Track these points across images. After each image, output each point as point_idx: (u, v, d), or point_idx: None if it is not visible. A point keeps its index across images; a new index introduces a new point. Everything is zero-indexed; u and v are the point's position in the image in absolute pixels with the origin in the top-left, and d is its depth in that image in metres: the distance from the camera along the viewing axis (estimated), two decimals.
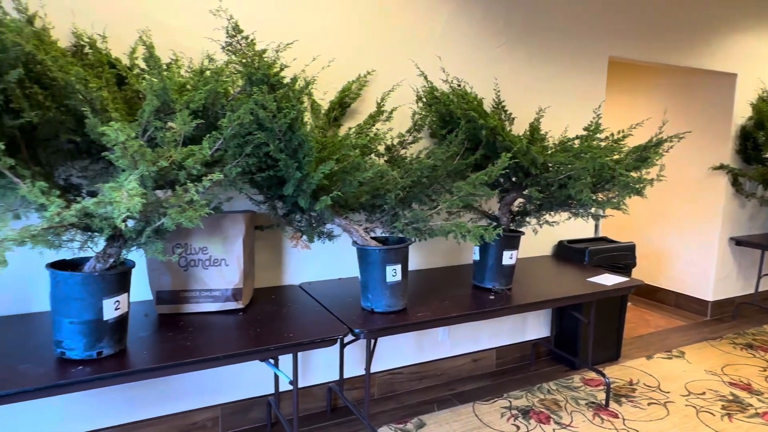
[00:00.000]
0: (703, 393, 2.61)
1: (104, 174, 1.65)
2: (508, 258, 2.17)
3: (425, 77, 2.20)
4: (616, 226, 4.45)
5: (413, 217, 1.91)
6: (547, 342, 2.98)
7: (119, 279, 1.45)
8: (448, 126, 2.18)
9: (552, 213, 2.28)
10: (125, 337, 1.52)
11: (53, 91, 1.43)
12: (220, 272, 1.83)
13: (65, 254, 1.76)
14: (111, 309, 1.43)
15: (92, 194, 1.65)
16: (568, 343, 2.91)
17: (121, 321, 1.48)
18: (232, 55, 1.65)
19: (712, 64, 3.43)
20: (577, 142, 2.21)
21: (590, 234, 3.11)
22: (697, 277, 3.84)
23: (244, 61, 1.50)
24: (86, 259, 1.53)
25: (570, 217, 2.26)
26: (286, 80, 1.57)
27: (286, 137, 1.52)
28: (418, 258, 2.53)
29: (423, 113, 2.21)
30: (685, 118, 3.87)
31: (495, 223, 2.29)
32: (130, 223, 1.49)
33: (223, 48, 1.66)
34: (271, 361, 1.98)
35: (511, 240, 2.16)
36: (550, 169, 2.11)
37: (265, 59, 1.55)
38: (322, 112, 2.14)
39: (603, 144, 2.20)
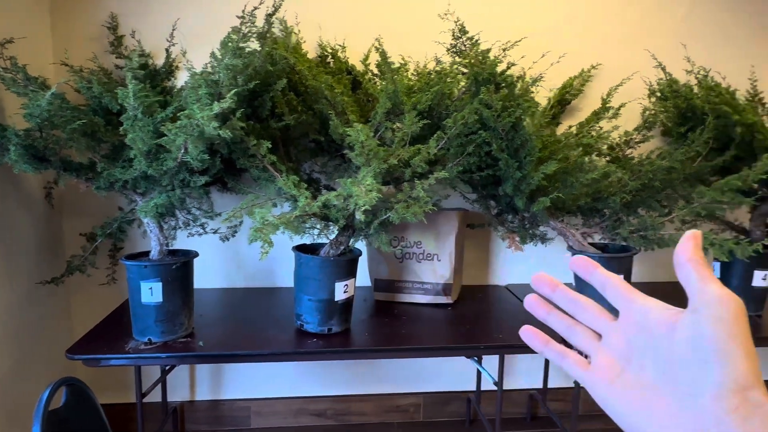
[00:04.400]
0: None
1: (338, 170, 1.84)
2: (761, 279, 1.83)
3: (663, 69, 1.97)
4: None
5: (641, 224, 1.73)
6: None
7: (349, 265, 1.61)
8: (688, 123, 1.91)
9: None
10: (350, 317, 1.67)
11: (305, 97, 1.65)
12: (432, 266, 1.90)
13: (306, 240, 2.01)
14: (341, 291, 1.59)
15: (328, 188, 1.85)
16: None
17: (348, 303, 1.64)
18: (457, 57, 1.69)
19: None
20: None
21: None
22: None
23: (471, 61, 1.52)
24: (321, 245, 1.73)
25: None
26: (512, 79, 1.55)
27: (509, 136, 1.50)
28: (638, 269, 2.29)
29: (656, 109, 1.98)
30: None
31: (741, 237, 1.94)
32: (358, 215, 1.63)
33: (448, 50, 1.71)
34: (476, 358, 1.99)
35: (766, 258, 1.81)
36: None
37: (490, 58, 1.55)
38: (540, 109, 2.06)
39: None
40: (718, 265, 1.91)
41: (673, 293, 2.13)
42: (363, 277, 2.06)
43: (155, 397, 2.05)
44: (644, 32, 2.12)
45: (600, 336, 0.42)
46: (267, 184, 1.59)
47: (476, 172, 1.63)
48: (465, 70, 1.67)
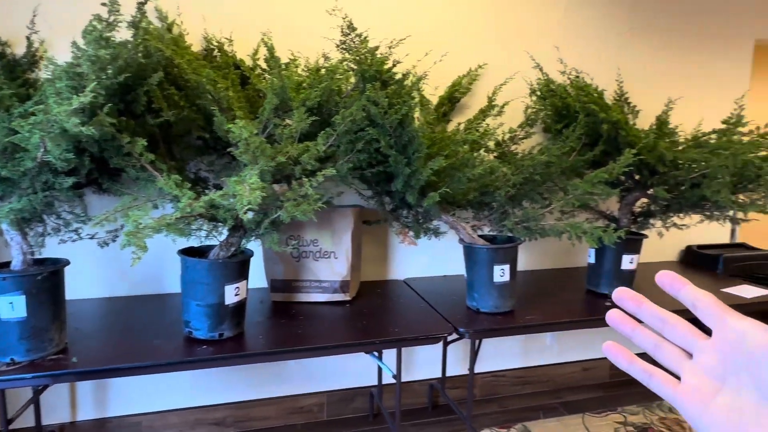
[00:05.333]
0: None
1: (228, 168, 1.77)
2: (628, 262, 2.01)
3: (540, 69, 2.10)
4: (757, 231, 3.95)
5: (524, 216, 1.83)
6: None
7: (239, 267, 1.55)
8: (564, 120, 2.06)
9: (681, 215, 2.07)
10: (243, 321, 1.62)
11: (187, 92, 1.56)
12: (330, 264, 1.89)
13: (194, 242, 1.91)
14: (232, 294, 1.53)
15: (218, 187, 1.78)
16: None
17: (240, 306, 1.58)
18: (346, 53, 1.69)
19: None
20: (714, 136, 1.98)
21: (725, 239, 2.79)
22: None
23: (357, 58, 1.53)
24: (211, 247, 1.65)
25: (702, 220, 2.04)
26: (398, 76, 1.57)
27: (397, 133, 1.52)
28: (527, 258, 2.43)
29: (537, 107, 2.11)
30: None
31: (611, 225, 2.13)
32: (250, 214, 1.58)
33: (337, 46, 1.70)
34: (376, 353, 2.01)
35: (632, 243, 1.99)
36: (681, 166, 1.91)
37: (378, 56, 1.57)
38: (431, 107, 2.12)
39: (745, 139, 1.95)
40: (593, 251, 2.07)
41: (558, 280, 2.29)
42: (260, 278, 2.01)
43: (28, 421, 1.86)
44: (525, 35, 2.25)
45: (690, 354, 0.41)
46: (147, 184, 1.49)
47: (367, 168, 1.63)
48: (355, 67, 1.67)
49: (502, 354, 2.47)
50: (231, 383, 2.11)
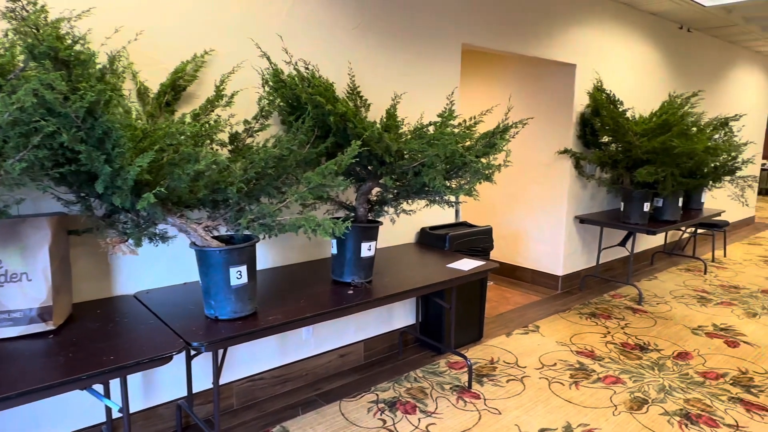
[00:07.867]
0: (554, 364, 2.79)
1: None
2: (366, 250, 2.09)
3: (268, 58, 2.02)
4: (475, 210, 4.65)
5: (260, 212, 1.74)
6: (414, 329, 2.99)
7: None
8: (296, 112, 2.02)
9: (409, 201, 2.24)
10: None
11: None
12: (21, 289, 1.51)
13: None
14: None
15: None
16: (433, 329, 2.94)
17: None
18: (17, 23, 1.34)
19: (555, 55, 3.66)
20: (431, 128, 2.18)
21: (452, 219, 3.16)
22: (549, 254, 4.14)
23: (22, 29, 1.22)
24: None
25: (428, 205, 2.26)
26: (84, 56, 1.30)
27: (87, 124, 1.26)
28: (273, 254, 2.36)
29: (269, 98, 2.03)
30: (534, 106, 4.12)
31: (351, 215, 2.19)
32: None
33: (4, 15, 1.34)
34: (97, 388, 1.71)
35: (368, 231, 2.08)
36: (405, 156, 2.06)
37: (55, 28, 1.27)
38: (151, 96, 1.87)
39: (456, 131, 2.20)
40: (335, 242, 2.11)
41: (305, 274, 2.26)
42: None
43: None
44: (254, 21, 2.15)
45: None
46: None
47: (54, 168, 1.33)
48: (30, 41, 1.34)
49: (258, 356, 2.36)
50: None
